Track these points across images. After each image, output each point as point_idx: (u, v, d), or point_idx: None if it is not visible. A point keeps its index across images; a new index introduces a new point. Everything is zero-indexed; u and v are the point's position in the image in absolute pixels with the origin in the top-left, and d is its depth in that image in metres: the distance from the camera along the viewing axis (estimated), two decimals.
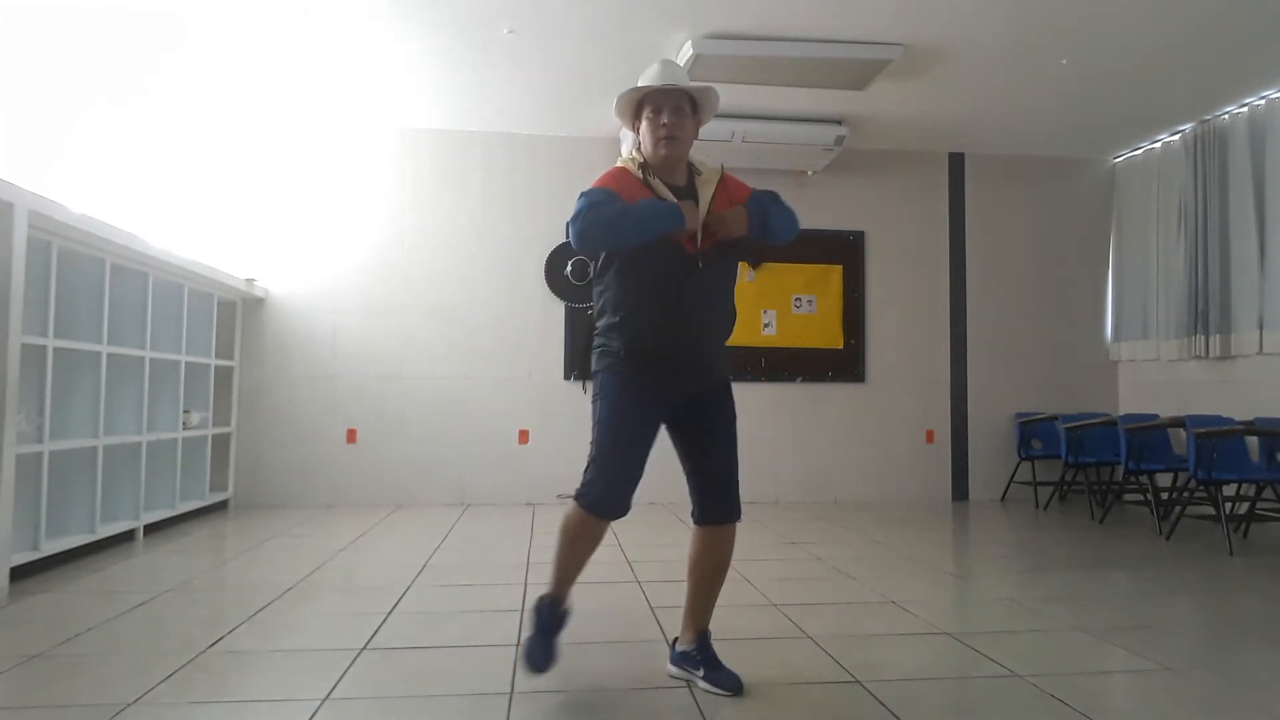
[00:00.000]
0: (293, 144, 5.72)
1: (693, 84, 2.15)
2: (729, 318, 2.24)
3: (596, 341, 2.20)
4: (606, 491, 2.10)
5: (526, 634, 2.22)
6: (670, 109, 2.11)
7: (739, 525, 2.23)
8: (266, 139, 5.69)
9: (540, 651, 2.15)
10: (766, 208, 2.17)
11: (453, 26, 4.35)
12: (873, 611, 2.97)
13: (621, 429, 2.12)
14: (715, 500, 2.19)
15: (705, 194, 2.13)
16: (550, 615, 2.19)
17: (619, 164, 2.19)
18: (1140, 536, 4.63)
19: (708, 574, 2.23)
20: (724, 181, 2.22)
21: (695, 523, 2.22)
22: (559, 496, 2.31)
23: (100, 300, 3.92)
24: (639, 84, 2.16)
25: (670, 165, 2.15)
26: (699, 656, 2.18)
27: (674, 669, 2.25)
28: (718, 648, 2.22)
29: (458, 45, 4.58)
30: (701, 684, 2.15)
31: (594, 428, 2.15)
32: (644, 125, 2.15)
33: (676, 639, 2.31)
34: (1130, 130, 5.86)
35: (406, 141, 5.84)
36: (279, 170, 5.70)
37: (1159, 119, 5.63)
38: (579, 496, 2.12)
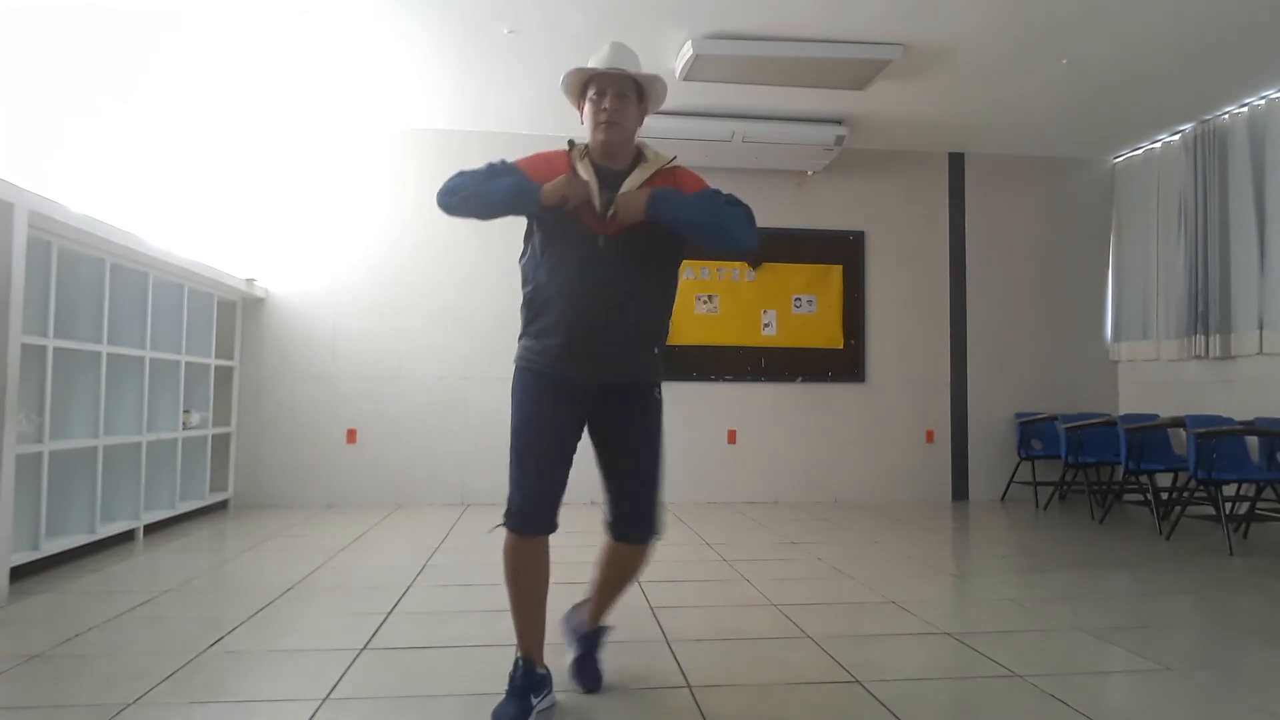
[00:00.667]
0: (293, 144, 5.72)
1: (639, 72, 2.08)
2: (642, 310, 2.06)
3: (520, 335, 2.14)
4: (523, 505, 1.99)
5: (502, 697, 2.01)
6: (613, 94, 2.04)
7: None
8: (267, 139, 5.69)
9: (507, 709, 1.94)
10: (680, 198, 2.00)
11: (453, 27, 4.36)
12: (873, 611, 2.97)
13: (532, 439, 2.02)
14: (622, 519, 2.09)
15: (634, 180, 2.03)
16: (522, 679, 1.99)
17: (565, 145, 2.14)
18: (1140, 536, 4.63)
19: (612, 580, 2.21)
20: (672, 173, 2.10)
21: (605, 531, 2.13)
22: (489, 531, 2.24)
23: (100, 300, 3.92)
24: (587, 64, 2.10)
25: (609, 150, 2.07)
26: (583, 640, 2.23)
27: (562, 628, 2.30)
28: (721, 645, 2.22)
29: (458, 45, 4.58)
30: (567, 662, 2.19)
31: (510, 438, 2.05)
32: (586, 107, 2.09)
33: (581, 603, 2.33)
34: (1130, 130, 5.86)
35: (407, 141, 5.84)
36: (279, 170, 5.70)
37: (1159, 119, 5.63)
38: (504, 519, 2.01)
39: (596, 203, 2.00)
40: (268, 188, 5.68)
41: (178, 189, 5.54)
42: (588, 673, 2.19)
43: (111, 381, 4.06)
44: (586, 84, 2.10)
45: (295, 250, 5.68)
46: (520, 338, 2.13)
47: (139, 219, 5.06)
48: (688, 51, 4.46)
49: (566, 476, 2.05)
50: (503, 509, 2.01)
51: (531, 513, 1.99)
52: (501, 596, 3.15)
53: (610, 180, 2.04)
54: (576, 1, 4.08)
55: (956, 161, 6.35)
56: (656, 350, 2.12)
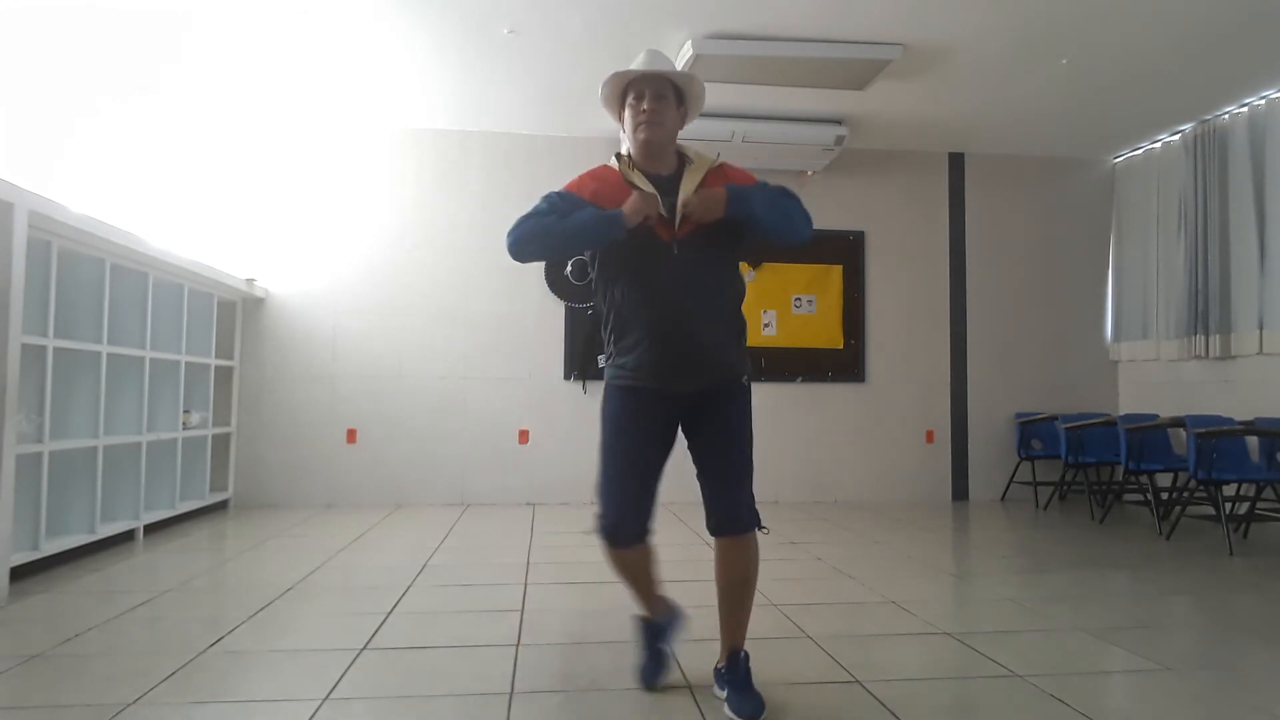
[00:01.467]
0: (293, 144, 5.72)
1: (676, 71, 2.10)
2: (726, 308, 2.10)
3: (606, 355, 2.13)
4: (616, 520, 2.04)
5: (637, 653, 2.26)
6: (652, 95, 2.06)
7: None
8: (267, 139, 5.69)
9: (646, 668, 2.20)
10: (752, 192, 2.03)
11: (453, 27, 4.35)
12: (873, 611, 2.97)
13: (622, 454, 2.05)
14: (717, 509, 2.10)
15: (690, 182, 2.05)
16: (646, 632, 2.23)
17: (610, 162, 2.15)
18: (1140, 536, 4.63)
19: (726, 589, 2.15)
20: (720, 171, 2.12)
21: (711, 533, 2.13)
22: (585, 533, 2.28)
23: (100, 300, 3.92)
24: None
25: (652, 152, 2.08)
26: (726, 676, 2.08)
27: (715, 687, 2.16)
28: (719, 647, 2.21)
29: (458, 45, 4.58)
30: (726, 711, 2.02)
31: (599, 453, 2.09)
32: (626, 112, 2.10)
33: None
34: (1130, 130, 5.86)
35: (407, 141, 5.84)
36: (279, 170, 5.70)
37: (1159, 119, 5.63)
38: (597, 531, 2.07)
39: (664, 211, 2.01)
40: (268, 188, 5.68)
41: (178, 189, 5.54)
42: (744, 703, 1.99)
43: (111, 381, 4.06)
44: (625, 91, 2.11)
45: (295, 250, 5.68)
46: (607, 358, 2.12)
47: (139, 219, 5.06)
48: (688, 51, 4.46)
49: (657, 487, 2.09)
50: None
51: (623, 524, 2.06)
52: (502, 596, 3.16)
53: (661, 186, 2.04)
54: (576, 1, 4.08)
55: (956, 161, 6.35)
56: (741, 343, 2.15)
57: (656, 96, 2.06)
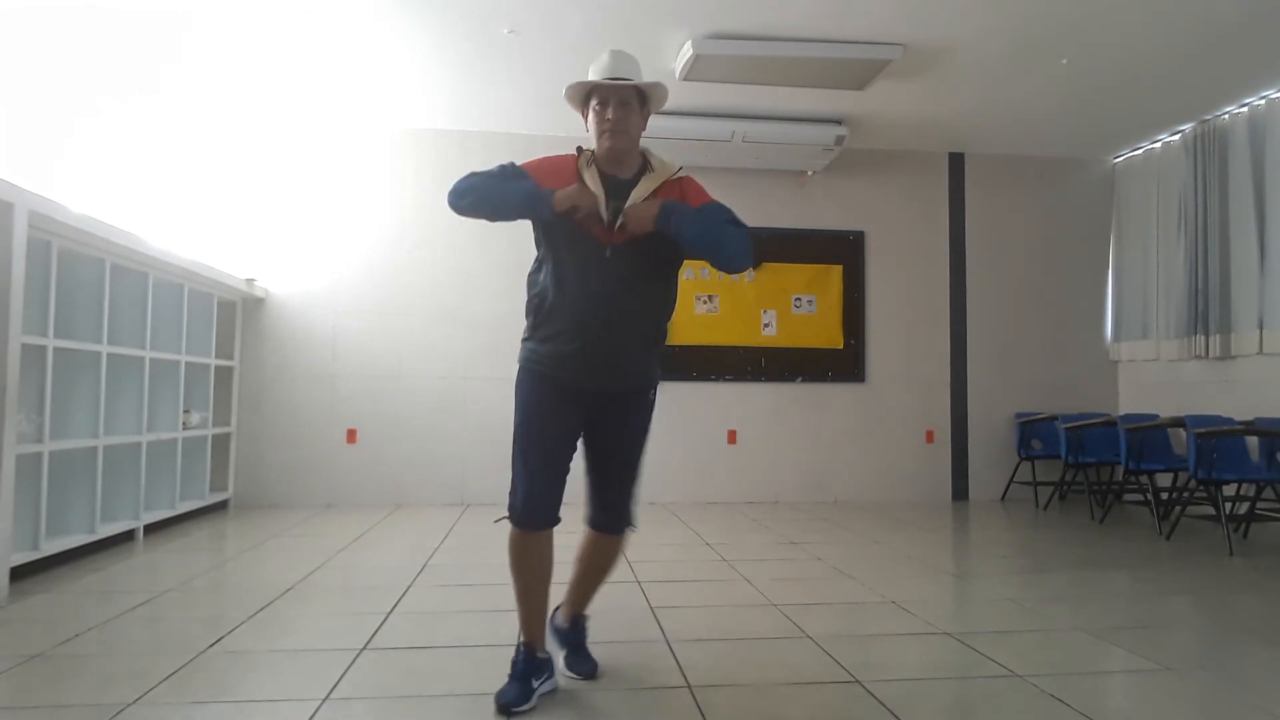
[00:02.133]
0: (293, 144, 5.72)
1: (640, 81, 2.12)
2: (649, 318, 2.16)
3: (525, 334, 2.19)
4: (527, 500, 2.08)
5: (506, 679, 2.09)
6: (616, 103, 2.09)
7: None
8: (267, 139, 5.69)
9: (509, 693, 2.02)
10: (687, 213, 2.04)
11: (453, 27, 4.36)
12: (873, 611, 2.97)
13: (535, 438, 2.10)
14: (605, 510, 2.22)
15: (643, 190, 2.08)
16: (524, 664, 2.08)
17: (574, 151, 2.18)
18: (1140, 536, 4.63)
19: (591, 572, 2.30)
20: (679, 184, 2.15)
21: (586, 524, 2.26)
22: (495, 522, 2.32)
23: (100, 300, 3.92)
24: (589, 74, 2.14)
25: (615, 158, 2.12)
26: (570, 637, 2.31)
27: (548, 634, 2.26)
28: (720, 644, 2.22)
29: (458, 45, 4.58)
30: (560, 664, 2.24)
31: (513, 435, 2.14)
32: (590, 117, 2.14)
33: (559, 607, 2.39)
34: (1130, 130, 5.86)
35: (407, 141, 5.84)
36: (279, 170, 5.70)
37: (1159, 119, 5.63)
38: (508, 513, 2.10)
39: (605, 213, 2.05)
40: (268, 188, 5.68)
41: (178, 189, 5.54)
42: (581, 662, 2.27)
43: (111, 381, 4.06)
44: (589, 94, 2.14)
45: (295, 250, 5.68)
46: (525, 339, 2.18)
47: (139, 219, 5.06)
48: (688, 51, 4.46)
49: (567, 472, 2.14)
50: (505, 504, 2.12)
51: (534, 508, 2.08)
52: (501, 596, 3.15)
53: (617, 189, 2.09)
54: (576, 1, 4.08)
55: (956, 161, 6.35)
56: (657, 354, 2.23)
57: (620, 104, 2.09)
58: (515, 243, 5.90)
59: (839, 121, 5.58)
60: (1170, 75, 4.84)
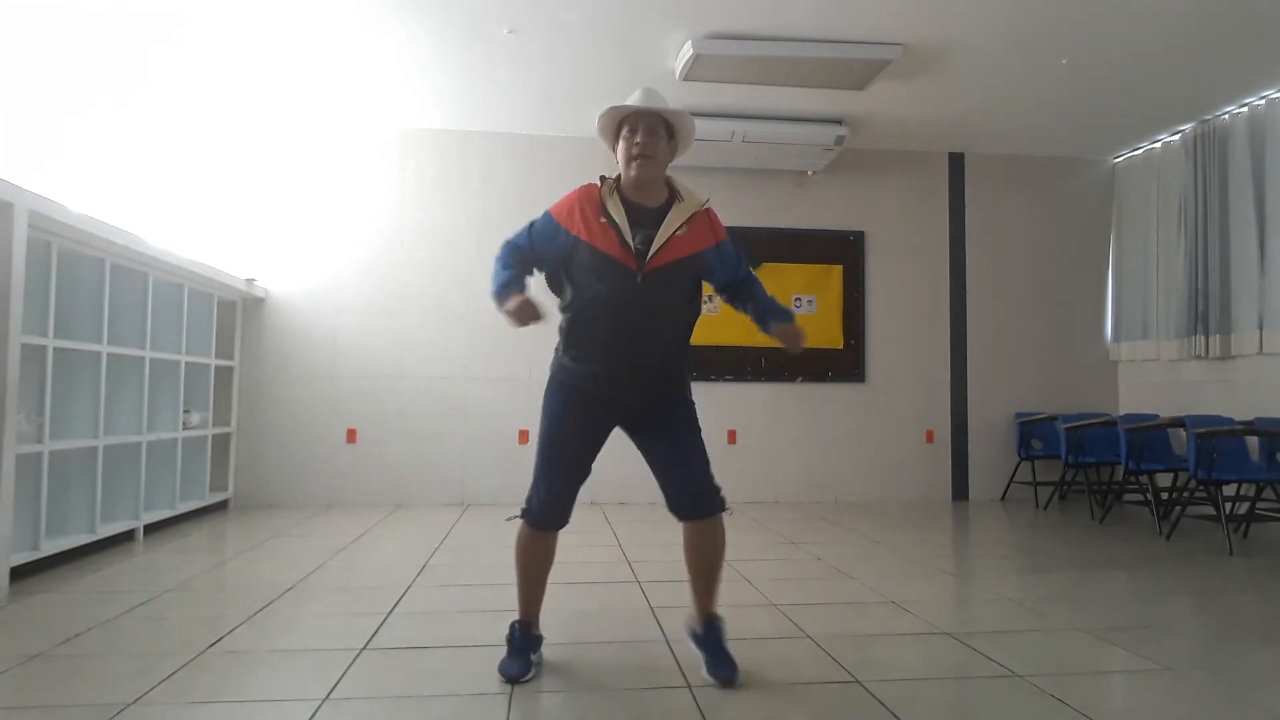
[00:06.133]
0: (293, 144, 5.72)
1: (668, 108, 2.21)
2: (677, 338, 2.30)
3: (556, 349, 2.32)
4: (544, 505, 2.22)
5: (503, 655, 2.28)
6: (645, 129, 2.18)
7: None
8: (267, 139, 5.69)
9: (511, 665, 2.23)
10: (779, 312, 2.38)
11: (453, 27, 4.35)
12: (873, 611, 2.97)
13: (560, 447, 2.23)
14: (680, 495, 2.25)
15: (675, 220, 2.19)
16: (522, 639, 2.28)
17: (597, 180, 2.27)
18: (1140, 536, 4.63)
19: (701, 568, 2.31)
20: (707, 215, 2.27)
21: (677, 519, 2.29)
22: (507, 519, 2.38)
23: (100, 300, 3.92)
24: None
25: (642, 185, 2.21)
26: (707, 641, 2.26)
27: (686, 640, 2.36)
28: None
29: (458, 45, 4.58)
30: (702, 672, 2.22)
31: (538, 442, 2.26)
32: (620, 144, 2.23)
33: (691, 615, 2.40)
34: (1130, 130, 5.86)
35: (406, 141, 5.84)
36: (279, 170, 5.70)
37: (1159, 119, 5.63)
38: (523, 513, 2.25)
39: (631, 242, 2.15)
40: (268, 188, 5.68)
41: (178, 189, 5.54)
42: (721, 667, 2.20)
43: (111, 381, 4.06)
44: (620, 124, 2.24)
45: (295, 250, 5.68)
46: (557, 352, 2.31)
47: (139, 219, 5.06)
48: (688, 51, 4.46)
49: (586, 473, 2.26)
50: (508, 504, 2.15)
51: (551, 513, 2.23)
52: (501, 596, 3.15)
53: (644, 217, 2.20)
54: (576, 1, 4.08)
55: (956, 161, 6.35)
56: (685, 364, 2.35)
57: (649, 130, 2.19)
58: None
59: (839, 121, 5.58)
60: (1170, 75, 4.85)
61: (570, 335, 2.26)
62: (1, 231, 3.01)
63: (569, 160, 5.88)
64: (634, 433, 2.31)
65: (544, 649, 2.38)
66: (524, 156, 5.93)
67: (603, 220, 2.17)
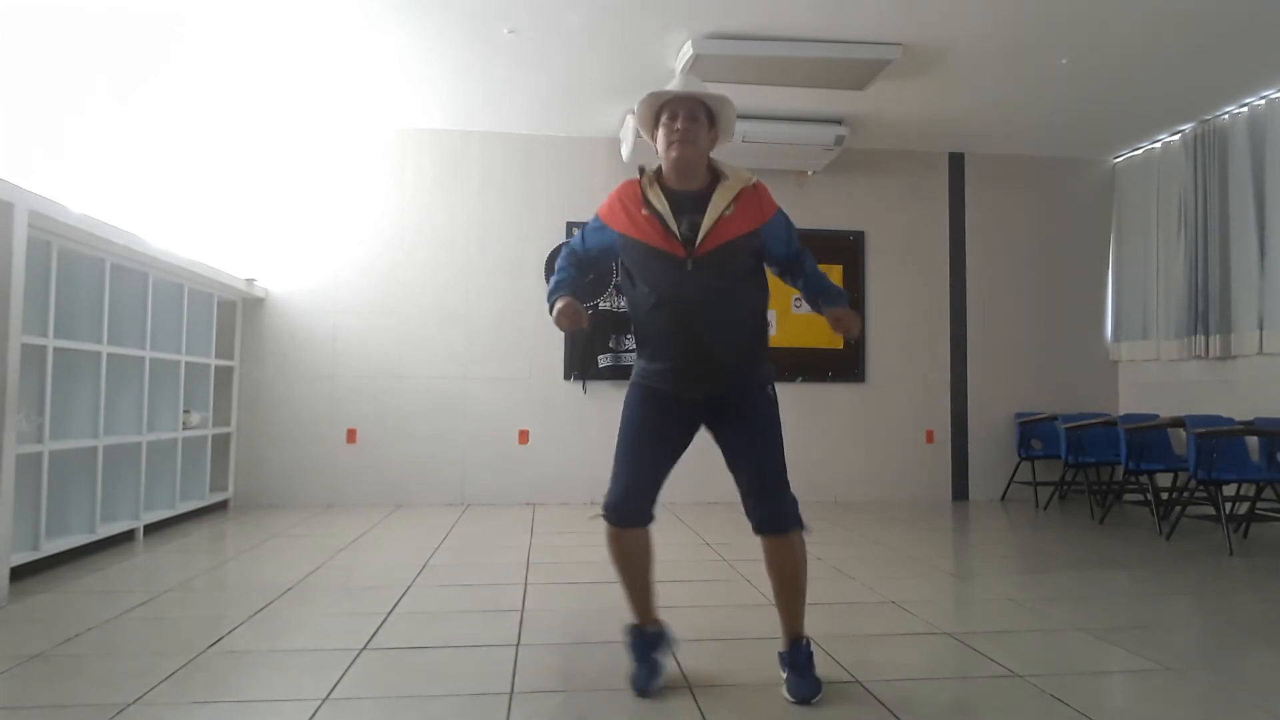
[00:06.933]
0: (293, 144, 5.72)
1: (709, 93, 2.17)
2: (742, 319, 2.19)
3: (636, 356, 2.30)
4: (620, 498, 2.15)
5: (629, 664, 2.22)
6: (685, 115, 2.13)
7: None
8: (266, 139, 5.69)
9: (638, 675, 2.17)
10: (834, 294, 2.27)
11: (453, 27, 4.35)
12: (873, 611, 2.97)
13: (633, 438, 2.18)
14: (755, 509, 2.18)
15: (720, 201, 2.13)
16: (638, 641, 2.23)
17: (637, 173, 2.23)
18: (1140, 536, 4.63)
19: (775, 583, 2.23)
20: (755, 191, 2.19)
21: (754, 533, 2.22)
22: (589, 518, 2.38)
23: (100, 300, 3.92)
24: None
25: (682, 169, 2.15)
26: (787, 659, 2.18)
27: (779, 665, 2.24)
28: (720, 645, 2.22)
29: (458, 45, 4.58)
30: (783, 690, 2.12)
31: (616, 443, 2.22)
32: (660, 131, 2.18)
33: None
34: (1130, 130, 5.86)
35: (406, 141, 5.84)
36: (279, 170, 5.70)
37: (1159, 119, 5.63)
38: (603, 512, 2.17)
39: (676, 230, 2.10)
40: (268, 188, 5.68)
41: (177, 189, 5.54)
42: (800, 685, 2.10)
43: (111, 381, 4.06)
44: (659, 111, 2.19)
45: (295, 250, 5.68)
46: (636, 355, 2.28)
47: (139, 219, 5.06)
48: (688, 51, 4.46)
49: (663, 478, 2.19)
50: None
51: (625, 507, 2.15)
52: (502, 597, 3.16)
53: (687, 203, 2.14)
54: (576, 1, 4.08)
55: (956, 161, 6.35)
56: (761, 352, 2.26)
57: (689, 117, 2.14)
58: (515, 242, 5.91)
59: (839, 121, 5.58)
60: (1170, 75, 4.84)
61: (639, 334, 2.22)
62: (1, 231, 3.01)
63: (569, 160, 5.88)
64: (713, 429, 2.23)
65: (544, 649, 2.37)
66: (524, 156, 5.93)
67: (645, 212, 2.13)
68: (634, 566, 2.22)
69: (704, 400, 2.18)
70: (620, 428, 2.21)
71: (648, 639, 2.23)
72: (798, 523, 2.19)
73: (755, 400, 2.19)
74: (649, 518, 2.17)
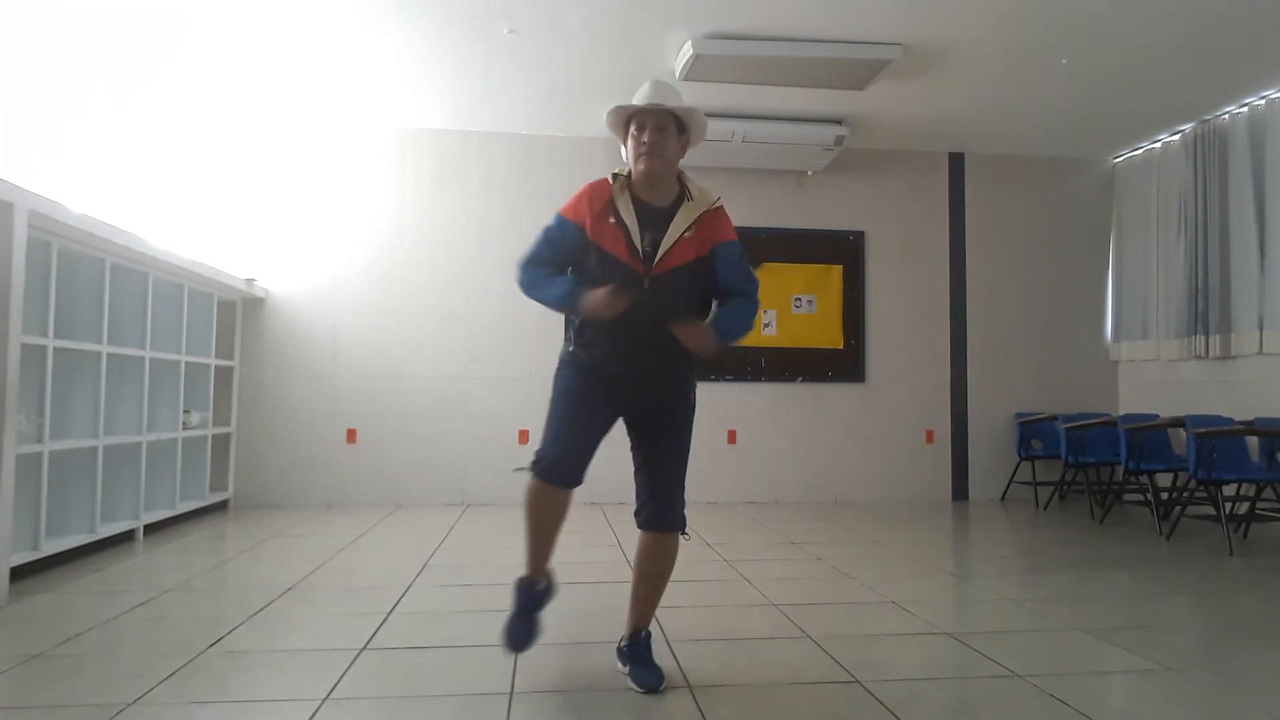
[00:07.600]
0: (293, 144, 5.73)
1: (678, 105, 2.17)
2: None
3: (565, 340, 2.28)
4: (555, 458, 2.14)
5: (507, 614, 2.24)
6: (653, 127, 2.14)
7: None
8: (266, 139, 5.69)
9: (517, 630, 2.21)
10: (728, 326, 2.21)
11: (453, 27, 4.35)
12: (873, 611, 2.97)
13: (570, 402, 2.19)
14: (651, 505, 2.22)
15: (682, 222, 2.15)
16: (526, 594, 2.23)
17: (608, 176, 2.23)
18: (1140, 536, 4.63)
19: (644, 579, 2.28)
20: (714, 216, 2.20)
21: (637, 526, 2.25)
22: (515, 470, 2.37)
23: (100, 300, 3.92)
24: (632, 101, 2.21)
25: (650, 181, 2.17)
26: (628, 652, 2.25)
27: (617, 661, 2.31)
28: (720, 645, 2.22)
29: (458, 45, 4.58)
30: (627, 680, 2.20)
31: (549, 406, 2.24)
32: (629, 141, 2.20)
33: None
34: (1130, 130, 5.86)
35: (406, 141, 5.84)
36: (279, 170, 5.70)
37: (1159, 119, 5.63)
38: (532, 465, 2.17)
39: (639, 245, 2.13)
40: (268, 188, 5.68)
41: (177, 189, 5.54)
42: (644, 674, 2.19)
43: (111, 381, 4.06)
44: (629, 120, 2.20)
45: (295, 250, 5.68)
46: (566, 343, 2.27)
47: (139, 219, 5.06)
48: (688, 51, 4.46)
49: (597, 443, 2.19)
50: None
51: (558, 464, 2.14)
52: (502, 597, 3.15)
53: (653, 218, 2.17)
54: (576, 1, 4.08)
55: (956, 161, 6.35)
56: (693, 368, 2.30)
57: (657, 129, 2.15)
58: (515, 242, 5.90)
59: (839, 121, 5.58)
60: (1170, 75, 4.84)
61: (581, 333, 2.22)
62: (1, 231, 3.01)
63: (569, 160, 5.88)
64: (631, 424, 2.28)
65: (543, 649, 2.37)
66: (524, 156, 5.93)
67: (612, 221, 2.14)
68: (549, 524, 2.21)
69: (633, 398, 2.22)
70: (554, 396, 2.24)
71: (536, 594, 2.25)
72: (683, 524, 2.25)
73: (681, 406, 2.27)
74: (578, 481, 2.17)
